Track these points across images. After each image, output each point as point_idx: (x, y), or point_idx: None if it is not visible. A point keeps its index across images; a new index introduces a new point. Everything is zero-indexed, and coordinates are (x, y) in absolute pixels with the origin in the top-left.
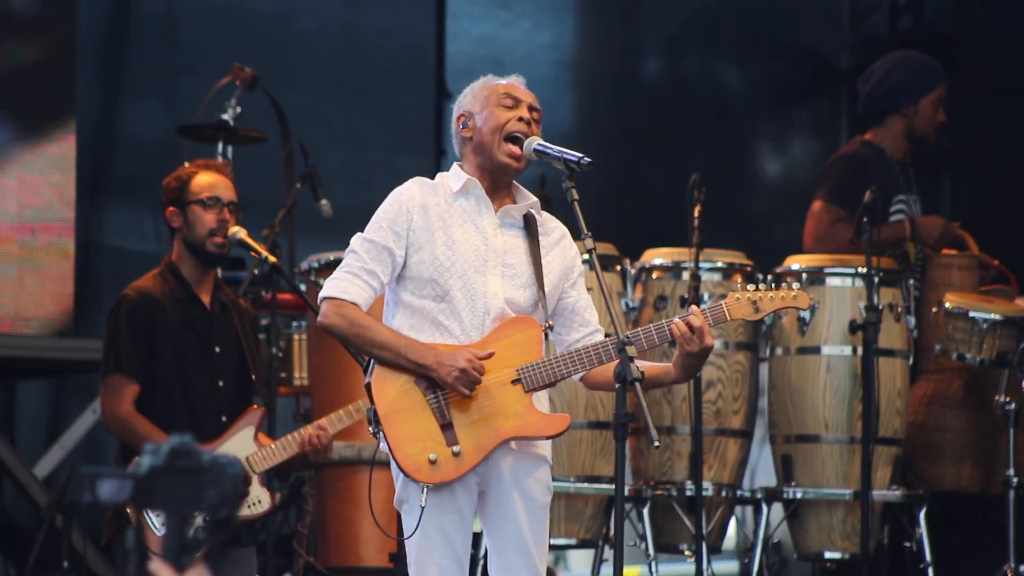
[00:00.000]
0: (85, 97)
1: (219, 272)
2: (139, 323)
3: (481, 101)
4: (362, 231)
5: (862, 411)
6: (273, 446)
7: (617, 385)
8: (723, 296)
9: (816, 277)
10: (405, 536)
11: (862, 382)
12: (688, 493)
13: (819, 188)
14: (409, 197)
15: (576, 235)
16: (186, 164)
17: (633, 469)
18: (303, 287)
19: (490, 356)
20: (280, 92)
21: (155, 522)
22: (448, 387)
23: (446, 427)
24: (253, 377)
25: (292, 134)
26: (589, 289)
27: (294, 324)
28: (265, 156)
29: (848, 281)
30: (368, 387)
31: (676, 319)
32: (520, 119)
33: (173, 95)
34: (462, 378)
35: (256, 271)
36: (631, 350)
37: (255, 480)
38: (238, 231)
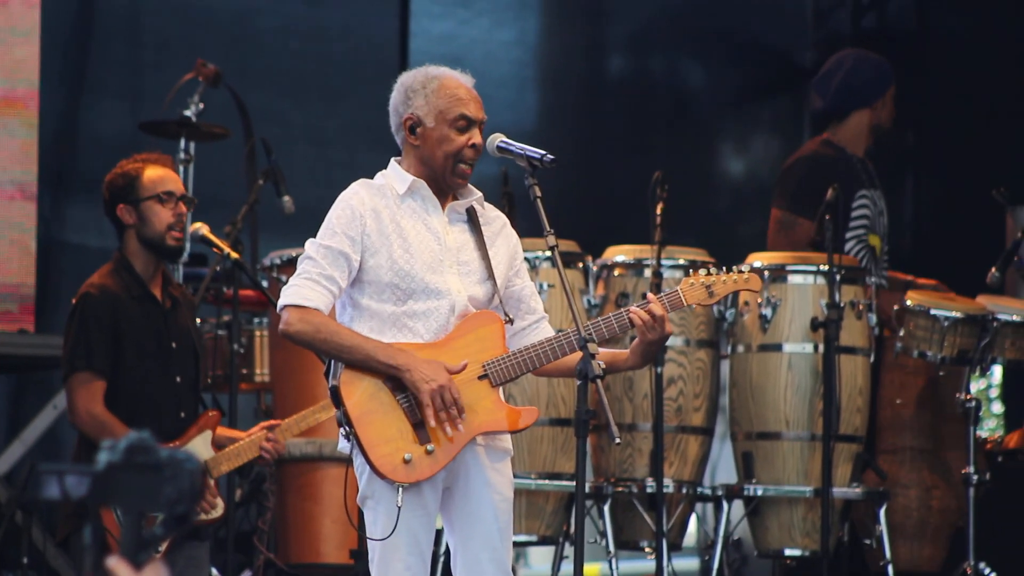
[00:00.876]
0: (48, 96)
1: (168, 266)
2: (104, 320)
3: (434, 114)
4: (315, 235)
5: (823, 408)
6: (229, 451)
7: (579, 382)
8: (678, 283)
9: (778, 275)
10: (372, 535)
11: (823, 379)
12: (649, 490)
13: (778, 194)
14: (360, 201)
15: (539, 232)
16: (128, 160)
17: (594, 466)
18: (265, 283)
19: (463, 368)
20: (243, 90)
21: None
22: (418, 394)
23: (418, 426)
24: (207, 378)
25: (255, 131)
26: (551, 286)
27: (256, 320)
28: (227, 152)
29: (810, 279)
30: (335, 390)
31: (635, 307)
32: (472, 146)
33: (136, 93)
34: (436, 393)
35: (218, 267)
36: (593, 347)
37: (211, 485)
38: (200, 227)
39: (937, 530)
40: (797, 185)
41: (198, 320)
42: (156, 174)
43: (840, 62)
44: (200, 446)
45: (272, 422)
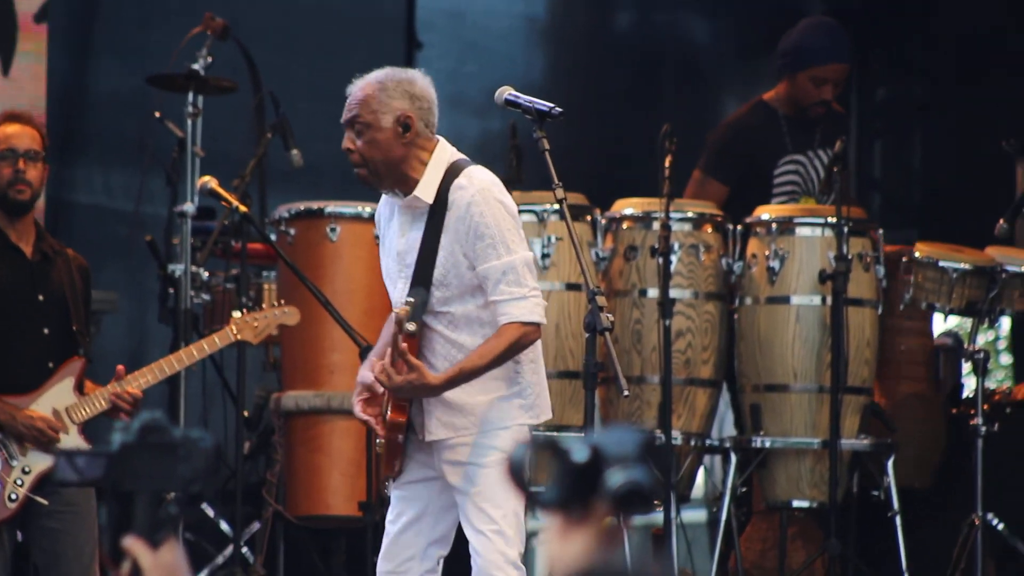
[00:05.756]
0: (55, 55)
1: (40, 222)
2: None
3: None
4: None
5: (831, 360)
6: (90, 397)
7: (587, 335)
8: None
9: (786, 227)
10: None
11: (831, 331)
12: (657, 442)
13: (702, 154)
14: (378, 214)
15: (547, 185)
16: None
17: (602, 418)
18: (273, 237)
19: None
20: (248, 46)
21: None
22: None
23: None
24: (75, 328)
25: (263, 84)
26: (559, 239)
27: (264, 274)
28: (236, 106)
29: (818, 231)
30: None
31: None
32: (345, 150)
33: (142, 49)
34: None
35: (226, 221)
36: (601, 299)
37: (74, 430)
38: (209, 181)
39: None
40: (714, 148)
41: (205, 273)
42: (2, 132)
43: (802, 24)
44: (60, 393)
45: (119, 377)
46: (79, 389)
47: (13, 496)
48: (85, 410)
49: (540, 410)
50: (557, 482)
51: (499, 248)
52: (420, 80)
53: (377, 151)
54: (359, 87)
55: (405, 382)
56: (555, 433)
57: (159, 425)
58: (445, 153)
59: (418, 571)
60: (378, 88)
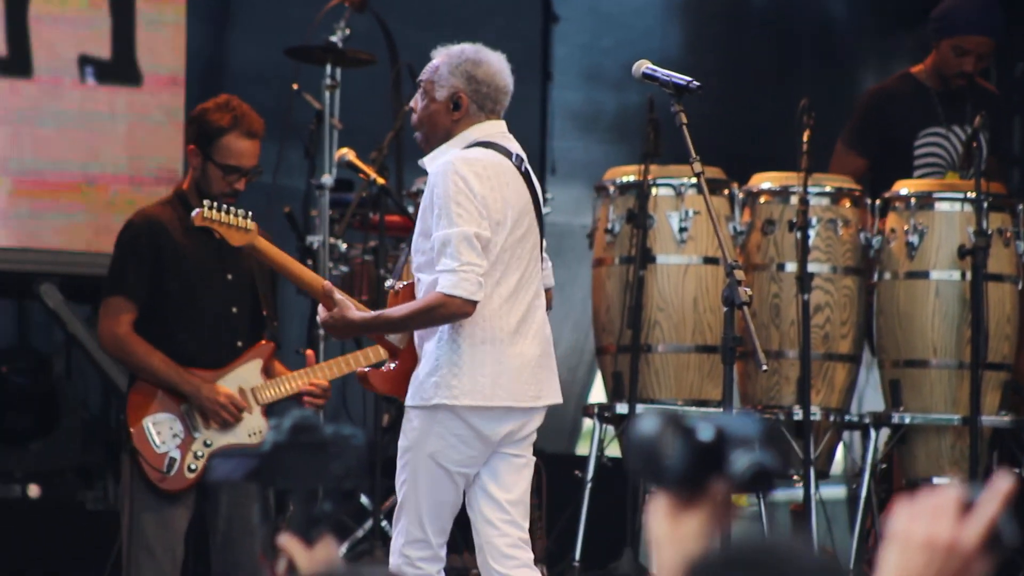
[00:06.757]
0: (193, 28)
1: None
2: (143, 248)
3: None
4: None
5: (971, 336)
6: (277, 381)
7: (725, 309)
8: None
9: (925, 202)
10: None
11: (971, 307)
12: (796, 418)
13: (845, 126)
14: None
15: (685, 159)
16: (227, 102)
17: (740, 393)
18: (411, 209)
19: None
20: (385, 19)
21: (155, 437)
22: None
23: None
24: (264, 313)
25: (400, 57)
26: (696, 212)
27: (401, 245)
28: (373, 79)
29: (957, 206)
30: None
31: None
32: None
33: (281, 22)
34: None
35: (364, 193)
36: (739, 273)
37: (257, 411)
38: (347, 153)
39: None
40: (856, 119)
41: (343, 244)
42: (235, 146)
43: None
44: (248, 374)
45: (309, 363)
46: (267, 373)
47: (192, 467)
48: (271, 392)
49: (460, 391)
50: (679, 460)
51: (443, 220)
52: (490, 64)
53: (427, 119)
54: (436, 55)
55: (328, 317)
56: (689, 408)
57: (310, 423)
58: (479, 132)
59: None
60: (445, 61)
